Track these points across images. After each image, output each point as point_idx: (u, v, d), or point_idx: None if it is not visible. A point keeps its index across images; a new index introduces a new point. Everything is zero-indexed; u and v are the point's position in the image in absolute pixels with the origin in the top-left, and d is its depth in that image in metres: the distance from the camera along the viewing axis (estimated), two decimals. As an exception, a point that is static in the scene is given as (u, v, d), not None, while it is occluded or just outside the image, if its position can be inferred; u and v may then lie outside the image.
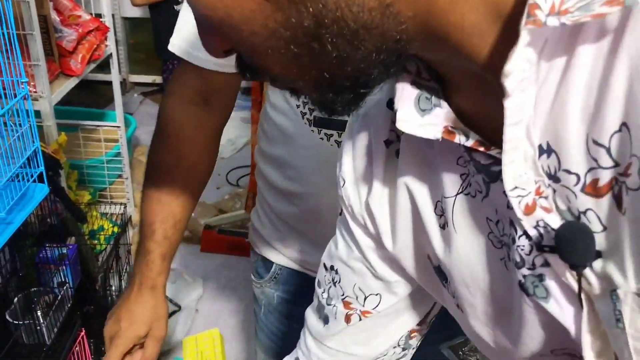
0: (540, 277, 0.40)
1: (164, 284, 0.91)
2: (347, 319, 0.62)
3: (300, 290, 1.04)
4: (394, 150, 0.51)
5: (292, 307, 1.06)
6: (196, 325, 2.28)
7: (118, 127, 2.61)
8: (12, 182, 0.96)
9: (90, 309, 1.31)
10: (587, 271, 0.37)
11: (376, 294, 0.59)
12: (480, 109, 0.41)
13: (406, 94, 0.42)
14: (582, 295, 0.38)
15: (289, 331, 1.08)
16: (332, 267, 0.61)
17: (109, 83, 2.67)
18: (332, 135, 0.86)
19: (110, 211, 2.19)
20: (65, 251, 1.26)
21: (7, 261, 1.15)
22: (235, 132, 3.77)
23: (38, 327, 1.06)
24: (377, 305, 0.60)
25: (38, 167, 0.98)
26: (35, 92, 1.73)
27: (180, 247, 2.89)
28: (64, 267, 1.22)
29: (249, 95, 2.78)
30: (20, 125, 0.93)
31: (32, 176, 0.97)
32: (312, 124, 0.87)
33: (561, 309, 0.40)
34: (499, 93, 0.35)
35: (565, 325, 0.41)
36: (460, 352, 1.00)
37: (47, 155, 1.32)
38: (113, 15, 2.61)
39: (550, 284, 0.40)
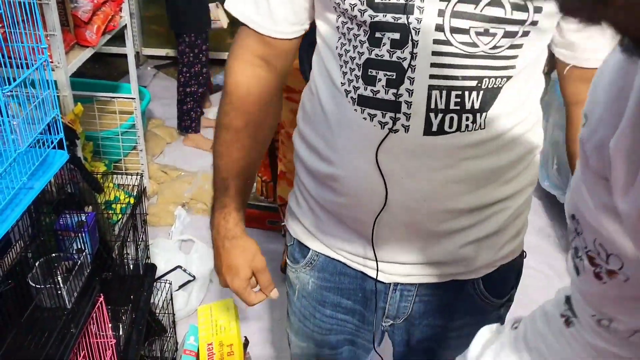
0: None
1: (243, 230, 0.99)
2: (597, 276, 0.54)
3: (335, 278, 1.04)
4: None
5: (327, 294, 1.06)
6: (210, 295, 2.32)
7: (133, 98, 2.62)
8: (33, 148, 0.97)
9: (109, 275, 1.34)
10: None
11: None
12: None
13: None
14: None
15: (322, 317, 1.08)
16: (572, 217, 0.54)
17: (122, 56, 2.67)
18: (375, 115, 0.84)
19: (126, 182, 2.22)
20: (84, 218, 1.28)
21: (27, 227, 1.17)
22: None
23: (59, 292, 1.08)
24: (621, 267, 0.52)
25: (58, 133, 1.00)
26: (52, 62, 1.74)
27: (194, 218, 2.94)
28: (83, 234, 1.24)
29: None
30: (40, 92, 0.94)
31: (52, 143, 0.99)
32: (356, 102, 0.85)
33: None
34: None
35: None
36: None
37: (64, 125, 1.33)
38: (127, -13, 2.60)
39: None
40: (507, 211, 0.93)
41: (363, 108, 0.85)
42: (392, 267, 0.96)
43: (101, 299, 1.23)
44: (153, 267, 1.84)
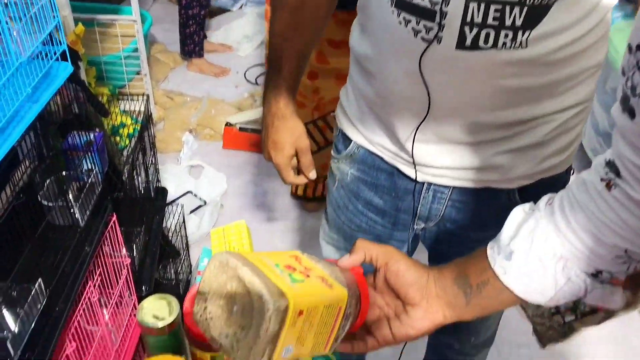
0: None
1: (292, 111, 1.04)
2: None
3: (373, 172, 1.05)
4: None
5: (362, 188, 1.07)
6: (222, 219, 2.32)
7: (134, 21, 2.53)
8: (35, 60, 0.93)
9: (120, 195, 1.32)
10: None
11: None
12: None
13: None
14: None
15: (354, 210, 1.10)
16: (638, 47, 0.49)
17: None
18: (410, 21, 0.81)
19: (131, 108, 2.18)
20: (92, 137, 1.25)
21: (33, 146, 1.14)
22: (251, 28, 3.66)
23: (71, 210, 1.07)
24: None
25: (60, 44, 0.95)
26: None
27: (202, 144, 2.92)
28: (92, 153, 1.21)
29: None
30: (38, -2, 0.88)
31: (55, 54, 0.94)
32: (394, 4, 0.82)
33: None
34: None
35: None
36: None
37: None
38: None
39: None
40: (550, 124, 0.89)
41: (399, 11, 0.81)
42: (428, 169, 0.96)
43: (114, 217, 1.22)
44: (164, 191, 1.83)
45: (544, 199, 0.66)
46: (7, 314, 0.87)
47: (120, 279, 1.31)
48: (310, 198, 2.38)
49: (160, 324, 1.00)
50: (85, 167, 1.22)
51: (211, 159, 2.63)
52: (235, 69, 3.36)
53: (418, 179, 0.99)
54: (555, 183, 0.98)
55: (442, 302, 0.70)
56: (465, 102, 0.85)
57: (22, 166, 1.13)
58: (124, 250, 1.30)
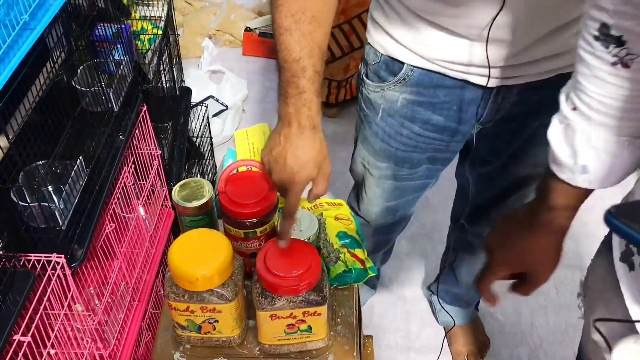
0: None
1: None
2: None
3: (430, 91, 1.02)
4: None
5: (417, 109, 1.04)
6: (244, 123, 2.34)
7: None
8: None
9: (149, 87, 1.34)
10: None
11: None
12: None
13: None
14: None
15: (409, 133, 1.08)
16: None
17: None
18: None
19: (150, 13, 2.15)
20: (119, 28, 1.25)
21: (61, 35, 1.15)
22: None
23: (104, 96, 1.09)
24: None
25: None
26: None
27: (222, 50, 2.91)
28: (121, 44, 1.22)
29: None
30: None
31: None
32: None
33: None
34: None
35: None
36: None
37: None
38: None
39: None
40: None
41: None
42: (502, 71, 0.94)
43: (144, 108, 1.24)
44: (189, 90, 1.84)
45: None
46: (52, 189, 0.92)
47: (151, 170, 1.35)
48: (333, 104, 2.39)
49: (195, 204, 1.05)
50: (115, 57, 1.24)
51: (231, 65, 2.62)
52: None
53: (491, 85, 0.96)
54: None
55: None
56: None
57: (53, 57, 1.15)
58: (154, 142, 1.33)
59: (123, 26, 1.28)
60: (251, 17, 2.81)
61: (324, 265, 0.95)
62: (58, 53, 1.15)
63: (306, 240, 1.01)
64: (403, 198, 1.24)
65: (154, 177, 1.36)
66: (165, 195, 1.45)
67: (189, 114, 1.79)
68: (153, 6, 2.01)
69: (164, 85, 1.65)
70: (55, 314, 0.92)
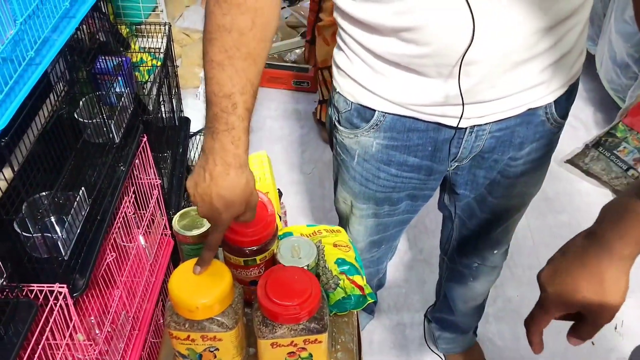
0: None
1: (247, 159, 0.84)
2: None
3: (403, 135, 1.02)
4: None
5: (392, 153, 1.05)
6: (241, 151, 2.37)
7: (149, -46, 2.51)
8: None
9: (149, 117, 1.36)
10: None
11: None
12: None
13: None
14: None
15: (387, 176, 1.09)
16: None
17: None
18: None
19: (149, 44, 2.19)
20: (120, 61, 1.28)
21: (65, 70, 1.18)
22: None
23: (105, 128, 1.11)
24: None
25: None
26: None
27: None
28: (122, 76, 1.25)
29: None
30: None
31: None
32: None
33: None
34: None
35: None
36: (581, 164, 0.97)
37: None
38: None
39: None
40: (577, 27, 0.92)
41: None
42: (473, 108, 0.94)
43: (145, 138, 1.27)
44: (187, 120, 1.87)
45: None
46: (55, 219, 0.94)
47: (151, 199, 1.37)
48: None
49: (195, 232, 1.07)
50: (116, 89, 1.26)
51: (229, 95, 2.65)
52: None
53: (463, 126, 0.97)
54: (575, 86, 1.03)
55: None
56: (516, 12, 0.83)
57: (56, 90, 1.17)
58: (154, 172, 1.35)
59: (124, 59, 1.31)
60: (248, 47, 2.85)
61: (323, 293, 0.97)
62: (61, 86, 1.18)
63: (305, 267, 1.02)
64: (386, 232, 1.26)
65: (153, 206, 1.38)
66: (165, 224, 1.46)
67: (188, 144, 1.81)
68: (152, 38, 2.05)
69: (164, 115, 1.67)
70: (57, 344, 0.92)
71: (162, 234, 1.45)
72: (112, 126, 1.10)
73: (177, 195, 1.58)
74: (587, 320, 0.72)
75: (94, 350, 1.02)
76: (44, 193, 0.93)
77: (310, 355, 0.97)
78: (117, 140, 1.12)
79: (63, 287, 0.89)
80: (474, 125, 0.99)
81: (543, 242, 2.02)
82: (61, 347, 0.92)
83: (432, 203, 1.26)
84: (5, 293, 0.82)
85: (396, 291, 1.86)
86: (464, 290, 1.47)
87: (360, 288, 1.12)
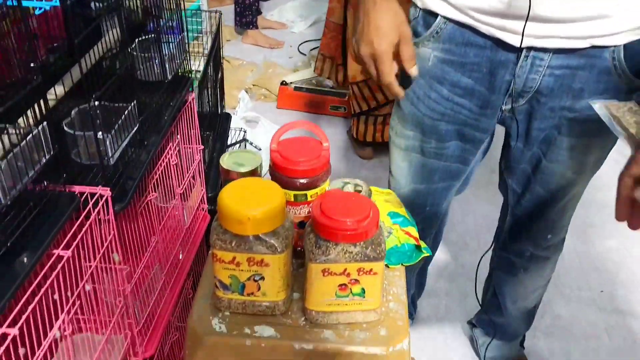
0: None
1: None
2: None
3: (461, 49, 1.01)
4: None
5: (447, 70, 1.04)
6: (277, 164, 2.33)
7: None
8: None
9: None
10: None
11: None
12: None
13: None
14: None
15: (438, 97, 1.07)
16: None
17: None
18: None
19: (190, 67, 2.22)
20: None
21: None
22: (305, 9, 3.73)
23: (162, 62, 1.08)
24: None
25: None
26: None
27: (257, 104, 2.98)
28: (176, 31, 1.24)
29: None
30: None
31: None
32: None
33: None
34: None
35: None
36: (613, 111, 0.94)
37: None
38: None
39: None
40: None
41: None
42: (535, 26, 0.92)
43: (193, 95, 1.24)
44: (228, 115, 1.86)
45: None
46: (103, 128, 0.89)
47: (193, 163, 1.33)
48: (368, 143, 2.39)
49: (243, 169, 1.02)
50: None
51: (266, 115, 2.65)
52: (289, 43, 3.41)
53: (521, 44, 0.94)
54: None
55: None
56: None
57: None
58: (198, 136, 1.31)
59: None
60: (287, 74, 2.88)
61: (381, 223, 0.89)
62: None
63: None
64: (432, 183, 1.19)
65: (194, 172, 1.33)
66: (203, 197, 1.41)
67: (227, 138, 1.79)
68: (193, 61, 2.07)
69: (208, 98, 1.66)
70: (89, 259, 0.86)
71: (199, 208, 1.40)
72: (167, 64, 1.07)
73: (215, 175, 1.53)
74: None
75: (128, 282, 0.94)
76: (95, 103, 0.89)
77: (363, 290, 0.89)
78: (168, 77, 1.09)
79: (106, 190, 0.83)
80: (531, 48, 0.95)
81: (592, 266, 1.92)
82: (93, 261, 0.85)
83: (476, 209, 1.20)
84: (48, 190, 0.77)
85: (436, 302, 1.75)
86: (513, 284, 1.38)
87: (415, 239, 1.04)
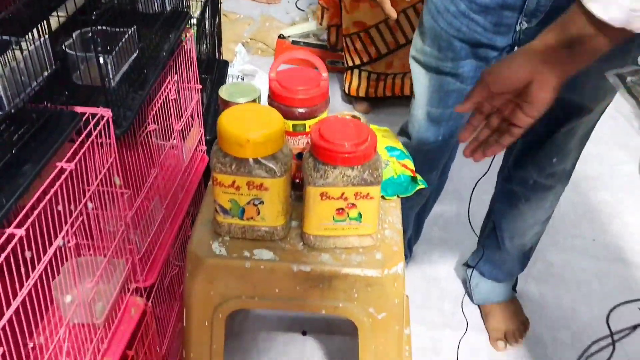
0: None
1: None
2: None
3: None
4: None
5: None
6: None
7: None
8: None
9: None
10: None
11: None
12: None
13: None
14: None
15: (455, 12, 1.09)
16: None
17: None
18: None
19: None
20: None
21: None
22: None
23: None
24: None
25: None
26: None
27: (254, 57, 2.94)
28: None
29: None
30: None
31: None
32: None
33: None
34: None
35: None
36: (628, 80, 0.94)
37: None
38: None
39: None
40: None
41: None
42: None
43: (192, 32, 1.24)
44: (226, 63, 1.85)
45: None
46: (104, 50, 0.89)
47: (192, 101, 1.33)
48: (366, 98, 2.39)
49: (242, 99, 1.02)
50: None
51: (263, 71, 2.64)
52: (286, -1, 3.38)
53: None
54: None
55: (549, 65, 0.78)
56: None
57: None
58: (196, 75, 1.31)
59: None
60: (284, 28, 2.86)
61: (378, 150, 0.91)
62: None
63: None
64: (447, 108, 1.21)
65: (192, 111, 1.34)
66: (201, 139, 1.42)
67: (225, 82, 1.78)
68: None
69: (206, 44, 1.65)
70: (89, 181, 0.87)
71: (197, 149, 1.41)
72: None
73: (213, 119, 1.53)
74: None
75: (129, 208, 0.96)
76: (96, 27, 0.89)
77: (360, 215, 0.90)
78: (167, 9, 1.09)
79: (107, 111, 0.84)
80: None
81: (585, 217, 1.95)
82: (94, 182, 0.86)
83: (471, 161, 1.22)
84: (49, 109, 0.78)
85: (430, 248, 1.78)
86: (513, 217, 1.40)
87: (411, 171, 1.06)
